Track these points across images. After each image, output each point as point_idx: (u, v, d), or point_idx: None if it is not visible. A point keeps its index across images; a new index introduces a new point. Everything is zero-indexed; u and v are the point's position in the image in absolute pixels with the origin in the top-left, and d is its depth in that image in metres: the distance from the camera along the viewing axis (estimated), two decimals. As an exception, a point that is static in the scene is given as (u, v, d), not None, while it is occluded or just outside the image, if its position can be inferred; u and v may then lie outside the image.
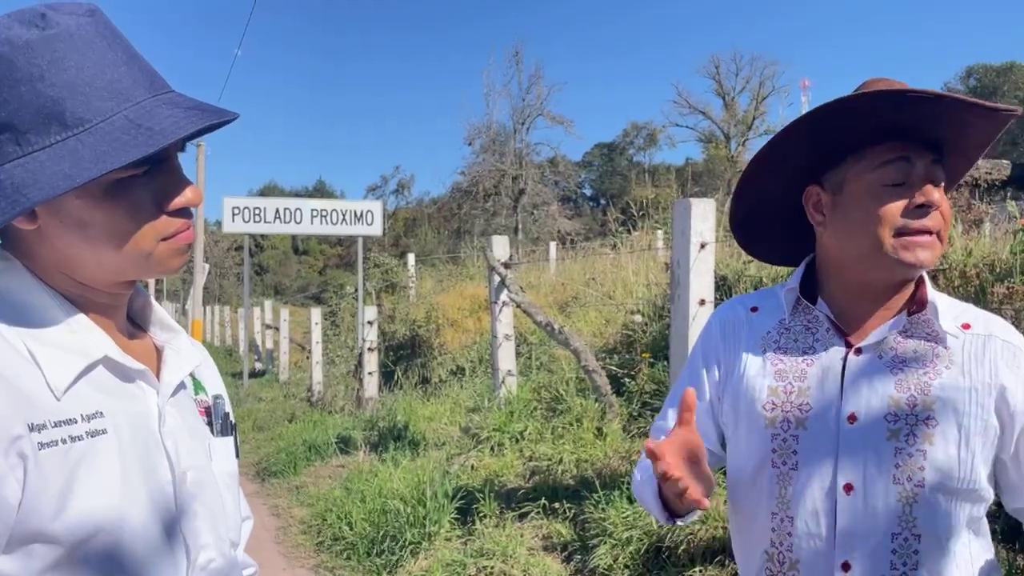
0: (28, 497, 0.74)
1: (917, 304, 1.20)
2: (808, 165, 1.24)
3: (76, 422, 0.79)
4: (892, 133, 1.14)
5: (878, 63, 70.59)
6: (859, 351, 1.20)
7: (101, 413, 0.82)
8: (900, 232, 1.13)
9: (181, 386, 0.95)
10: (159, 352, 0.96)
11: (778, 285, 1.37)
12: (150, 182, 0.84)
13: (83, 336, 0.84)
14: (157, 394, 0.90)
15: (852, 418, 1.17)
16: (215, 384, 1.05)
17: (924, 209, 1.13)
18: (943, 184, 1.17)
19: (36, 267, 0.85)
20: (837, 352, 1.21)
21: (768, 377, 1.24)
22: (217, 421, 1.00)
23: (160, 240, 0.86)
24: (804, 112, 1.21)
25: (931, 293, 1.21)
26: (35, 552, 0.75)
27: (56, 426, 0.77)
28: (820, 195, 1.24)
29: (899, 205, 1.13)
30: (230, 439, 1.02)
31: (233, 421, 1.05)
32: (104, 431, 0.81)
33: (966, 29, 78.91)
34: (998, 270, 3.33)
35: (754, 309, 1.34)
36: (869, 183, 1.16)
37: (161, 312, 0.99)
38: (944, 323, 1.19)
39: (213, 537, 0.92)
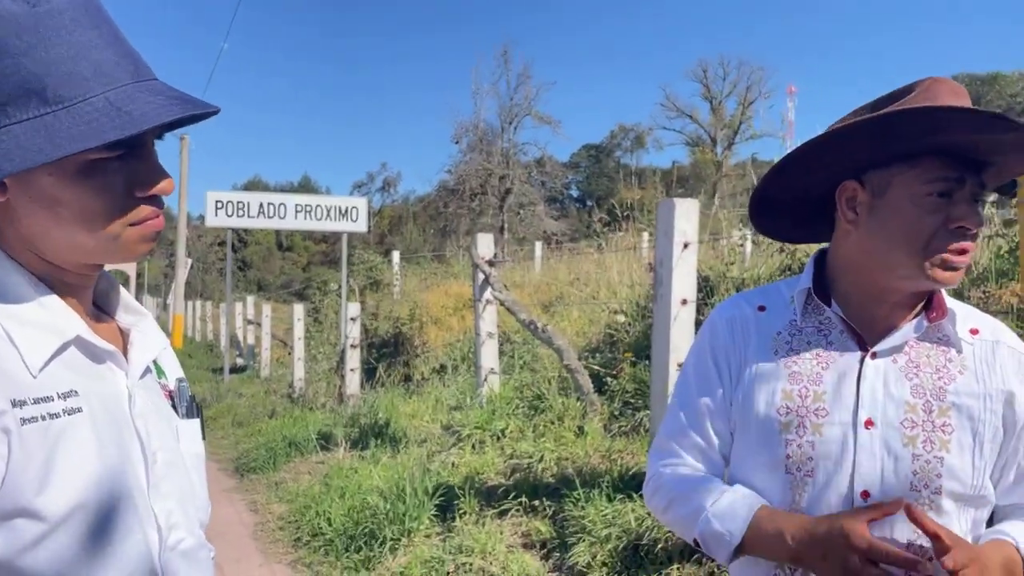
0: (12, 472, 0.75)
1: (937, 311, 1.18)
2: (857, 160, 1.19)
3: (52, 400, 0.80)
4: (950, 148, 1.12)
5: (864, 71, 71.29)
6: (875, 355, 1.17)
7: (75, 392, 0.82)
8: (937, 250, 1.12)
9: (147, 369, 0.96)
10: (124, 335, 0.96)
11: (781, 282, 1.33)
12: (124, 166, 0.84)
13: (55, 315, 0.84)
14: (126, 376, 0.90)
15: (869, 424, 1.15)
16: (175, 369, 1.05)
17: (964, 231, 1.12)
18: (985, 203, 1.19)
19: (5, 245, 0.85)
20: (853, 356, 1.18)
21: (782, 380, 1.20)
22: (182, 404, 1.01)
23: (129, 225, 0.85)
24: (878, 112, 1.15)
25: (948, 300, 1.21)
26: (19, 527, 0.76)
27: (35, 403, 0.78)
28: (858, 193, 1.19)
29: (942, 222, 1.12)
30: (196, 421, 1.03)
31: (199, 403, 1.06)
32: (79, 409, 0.81)
33: (952, 38, 79.86)
34: (974, 275, 3.36)
35: (761, 308, 1.29)
36: (916, 194, 1.13)
37: (127, 295, 0.99)
38: (959, 329, 1.18)
39: (183, 517, 0.92)
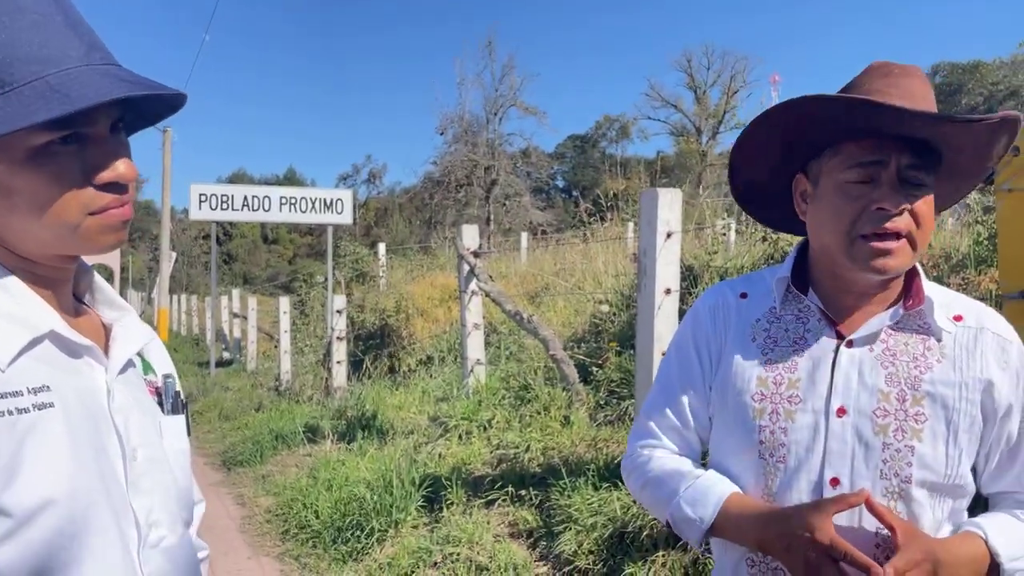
0: None
1: (914, 299, 1.18)
2: (788, 155, 1.22)
3: (22, 394, 0.78)
4: (872, 130, 1.11)
5: (846, 59, 71.50)
6: (850, 343, 1.18)
7: (47, 387, 0.81)
8: (860, 235, 1.11)
9: (130, 364, 0.94)
10: (107, 330, 0.95)
11: (766, 270, 1.35)
12: (79, 152, 0.82)
13: (28, 309, 0.83)
14: (106, 371, 0.89)
15: (841, 412, 1.15)
16: (164, 364, 1.04)
17: (883, 213, 1.10)
18: (924, 184, 1.13)
19: None
20: (828, 344, 1.19)
21: (757, 367, 1.22)
22: (168, 400, 0.99)
23: (88, 214, 0.84)
24: (775, 104, 1.18)
25: (927, 287, 1.19)
26: None
27: (2, 397, 0.77)
28: (804, 184, 1.22)
29: (859, 208, 1.11)
30: (181, 417, 1.01)
31: (184, 400, 1.04)
32: (51, 404, 0.80)
33: (933, 27, 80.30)
34: (954, 261, 3.40)
35: (743, 295, 1.31)
36: (837, 182, 1.14)
37: (109, 291, 0.98)
38: (938, 316, 1.17)
39: (165, 514, 0.91)
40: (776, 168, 1.26)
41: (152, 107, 0.93)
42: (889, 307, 1.19)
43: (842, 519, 1.11)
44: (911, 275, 1.21)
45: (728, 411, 1.24)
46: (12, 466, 0.75)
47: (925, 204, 1.13)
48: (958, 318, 1.18)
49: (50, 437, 0.79)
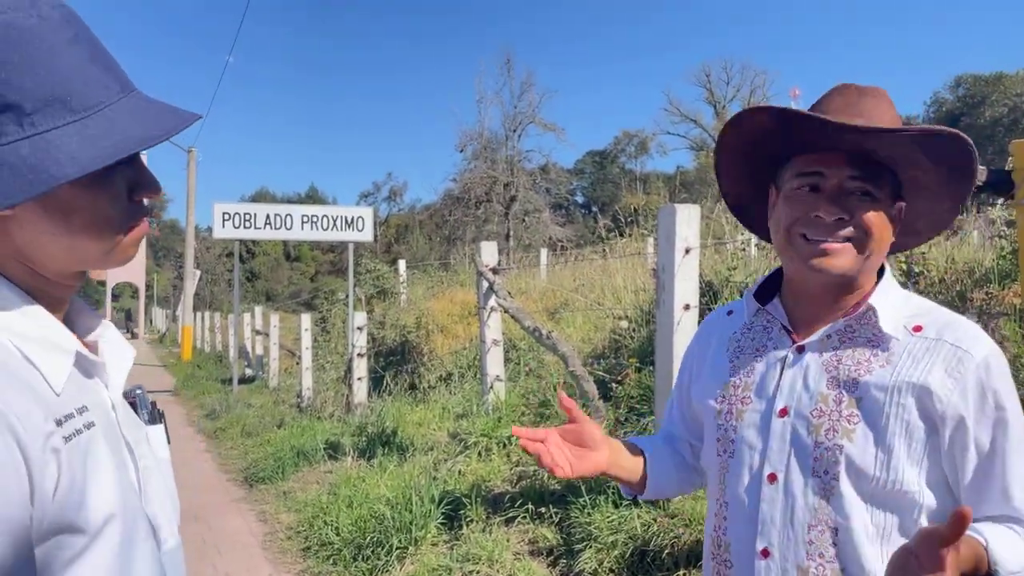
0: (60, 490, 0.77)
1: (855, 306, 1.23)
2: (760, 168, 1.31)
3: (74, 416, 0.81)
4: (812, 144, 1.19)
5: (868, 72, 71.14)
6: (801, 349, 1.24)
7: (87, 407, 0.84)
8: (796, 238, 1.19)
9: None
10: (91, 346, 0.96)
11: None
12: (125, 172, 0.86)
13: (51, 331, 0.84)
14: (106, 387, 0.91)
15: (783, 412, 1.21)
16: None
17: (819, 220, 1.16)
18: (868, 195, 1.17)
19: None
20: (783, 350, 1.26)
21: (724, 373, 1.33)
22: (144, 411, 1.03)
23: (127, 229, 0.88)
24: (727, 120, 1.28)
25: (877, 296, 1.21)
26: (64, 543, 0.77)
27: (67, 419, 0.80)
28: (774, 197, 1.29)
29: (799, 212, 1.19)
30: (161, 427, 1.05)
31: (160, 410, 1.08)
32: (93, 423, 0.83)
33: (956, 39, 79.64)
34: (977, 276, 3.36)
35: (730, 312, 1.42)
36: (786, 191, 1.23)
37: (79, 300, 0.99)
38: (887, 325, 1.19)
39: (166, 520, 0.95)
40: (751, 181, 1.35)
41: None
42: (840, 316, 1.24)
43: (767, 507, 1.20)
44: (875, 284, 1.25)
45: (704, 416, 1.36)
46: (82, 486, 0.79)
47: (874, 215, 1.17)
48: (918, 328, 1.19)
49: (100, 455, 0.83)
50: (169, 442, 1.06)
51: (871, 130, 1.13)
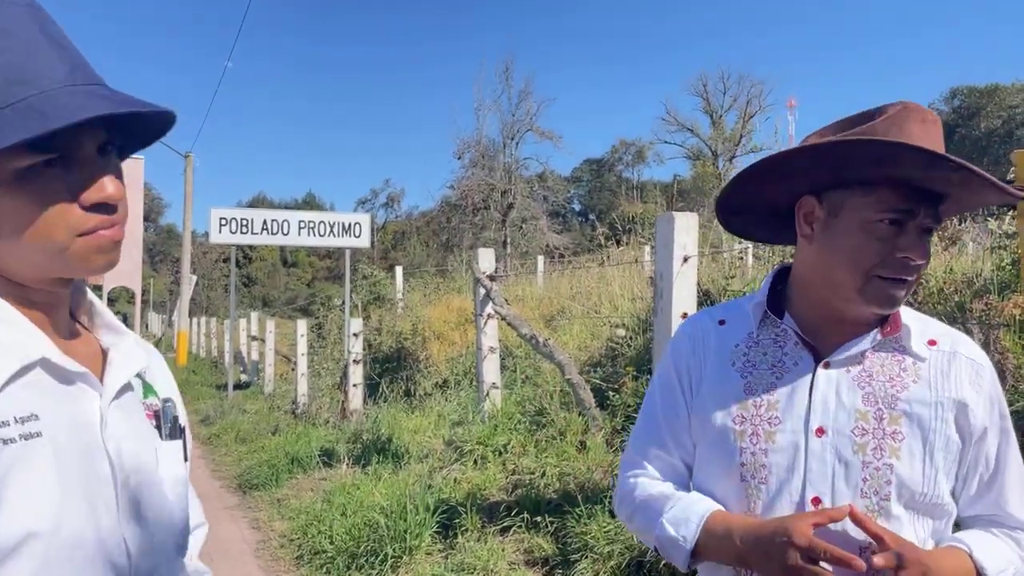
0: None
1: (891, 327, 1.20)
2: (814, 180, 1.22)
3: (8, 424, 0.77)
4: (904, 179, 1.13)
5: (863, 84, 71.46)
6: (828, 365, 1.20)
7: (36, 416, 0.79)
8: (879, 277, 1.14)
9: (127, 388, 0.93)
10: (105, 354, 0.94)
11: (744, 297, 1.37)
12: (65, 174, 0.81)
13: (19, 336, 0.82)
14: (100, 397, 0.87)
15: (820, 432, 1.17)
16: (166, 387, 1.02)
17: (908, 261, 1.13)
18: (935, 231, 1.19)
19: None
20: (806, 366, 1.21)
21: (737, 391, 1.24)
22: (166, 425, 0.98)
23: (77, 236, 0.83)
24: (833, 137, 1.17)
25: (905, 315, 1.22)
26: None
27: None
28: (815, 209, 1.22)
29: (889, 251, 1.13)
30: (179, 443, 0.99)
31: (183, 425, 1.02)
32: (39, 434, 0.79)
33: (951, 51, 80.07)
34: (976, 287, 3.35)
35: (722, 322, 1.33)
36: (867, 220, 1.15)
37: (107, 314, 0.97)
38: (914, 342, 1.20)
39: (158, 543, 0.89)
40: (789, 188, 1.26)
41: (142, 128, 0.92)
42: (868, 332, 1.21)
43: (827, 534, 1.11)
44: None
45: (709, 436, 1.25)
46: None
47: (929, 247, 1.18)
48: (932, 343, 1.21)
49: (36, 468, 0.77)
50: (187, 459, 1.01)
51: (1009, 191, 1.11)
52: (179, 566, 0.95)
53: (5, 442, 0.76)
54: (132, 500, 0.87)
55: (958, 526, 1.22)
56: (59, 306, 0.90)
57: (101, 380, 0.89)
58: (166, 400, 1.00)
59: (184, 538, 0.97)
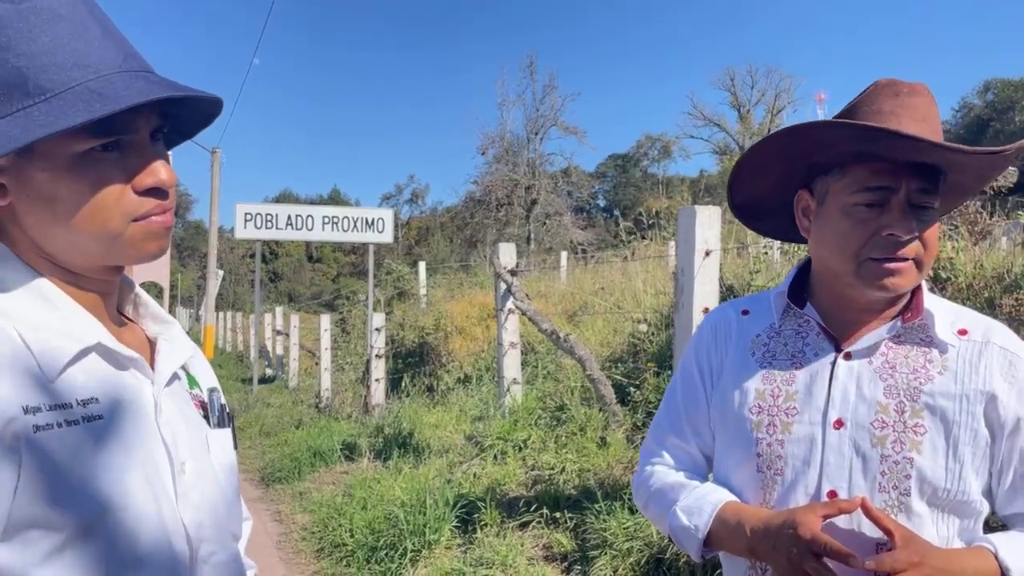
0: (24, 481, 0.73)
1: (912, 312, 1.17)
2: (794, 172, 1.21)
3: (71, 407, 0.78)
4: (883, 156, 1.10)
5: (894, 76, 70.20)
6: (848, 356, 1.17)
7: (96, 399, 0.80)
8: (868, 259, 1.11)
9: (175, 377, 0.94)
10: (152, 343, 0.95)
11: (771, 290, 1.34)
12: (121, 159, 0.82)
13: (74, 322, 0.83)
14: (152, 384, 0.88)
15: (839, 424, 1.14)
16: (208, 378, 1.03)
17: (893, 239, 1.10)
18: (932, 208, 1.13)
19: (20, 252, 0.84)
20: (827, 357, 1.18)
21: (756, 380, 1.22)
22: (214, 413, 0.98)
23: (131, 221, 0.84)
24: (781, 129, 1.18)
25: (928, 300, 1.18)
26: (32, 539, 0.73)
27: (51, 409, 0.76)
28: (809, 202, 1.21)
29: (868, 232, 1.11)
30: (228, 431, 1.00)
31: (230, 413, 1.03)
32: (100, 416, 0.80)
33: (984, 44, 78.49)
34: (1007, 282, 3.27)
35: (745, 312, 1.32)
36: (845, 204, 1.13)
37: (153, 304, 0.98)
38: (940, 330, 1.16)
39: (215, 529, 0.90)
40: (777, 183, 1.26)
41: (189, 119, 0.94)
42: (888, 320, 1.18)
43: (840, 525, 1.09)
44: (914, 290, 1.19)
45: (727, 425, 1.24)
46: (61, 479, 0.75)
47: (934, 228, 1.13)
48: (963, 332, 1.17)
49: (100, 450, 0.79)
50: (236, 447, 1.02)
51: (973, 152, 1.06)
52: (236, 554, 0.96)
53: (70, 423, 0.77)
54: (188, 485, 0.87)
55: (1004, 527, 1.17)
56: (109, 295, 0.91)
57: (151, 367, 0.90)
58: (212, 389, 1.01)
59: (238, 526, 0.98)
